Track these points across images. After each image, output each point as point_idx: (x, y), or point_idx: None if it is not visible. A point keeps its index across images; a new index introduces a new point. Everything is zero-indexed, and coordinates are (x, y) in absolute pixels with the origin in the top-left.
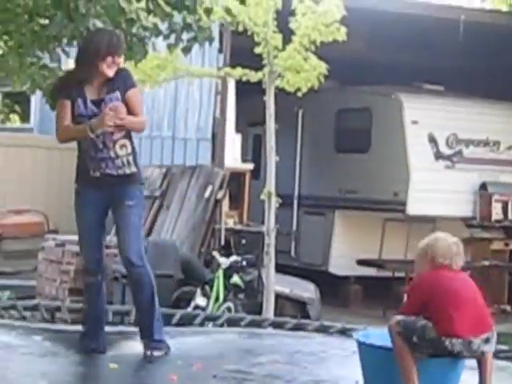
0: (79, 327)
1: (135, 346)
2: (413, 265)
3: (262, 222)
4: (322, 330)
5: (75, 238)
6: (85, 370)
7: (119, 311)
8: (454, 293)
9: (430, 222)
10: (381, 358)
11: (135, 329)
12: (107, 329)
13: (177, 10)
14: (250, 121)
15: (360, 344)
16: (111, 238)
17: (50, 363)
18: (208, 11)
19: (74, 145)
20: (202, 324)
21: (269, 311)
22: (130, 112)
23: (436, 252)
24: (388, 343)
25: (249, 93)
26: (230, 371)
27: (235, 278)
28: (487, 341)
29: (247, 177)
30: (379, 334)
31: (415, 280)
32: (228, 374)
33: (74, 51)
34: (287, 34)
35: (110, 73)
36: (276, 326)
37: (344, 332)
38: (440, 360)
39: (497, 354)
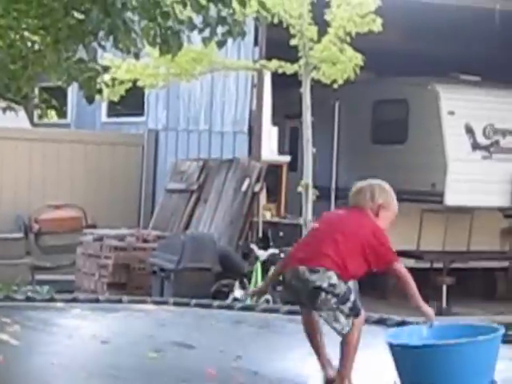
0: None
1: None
2: (451, 255)
3: (300, 214)
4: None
5: (113, 232)
6: (124, 359)
7: (157, 301)
8: None
9: (468, 213)
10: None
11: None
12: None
13: (212, 2)
14: (286, 113)
15: (390, 346)
16: (149, 232)
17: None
18: (242, 3)
19: (112, 140)
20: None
21: None
22: None
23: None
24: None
25: (285, 85)
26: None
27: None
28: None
29: (284, 169)
30: (406, 333)
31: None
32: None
33: (109, 45)
34: (322, 26)
35: None
36: None
37: (382, 322)
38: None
39: None
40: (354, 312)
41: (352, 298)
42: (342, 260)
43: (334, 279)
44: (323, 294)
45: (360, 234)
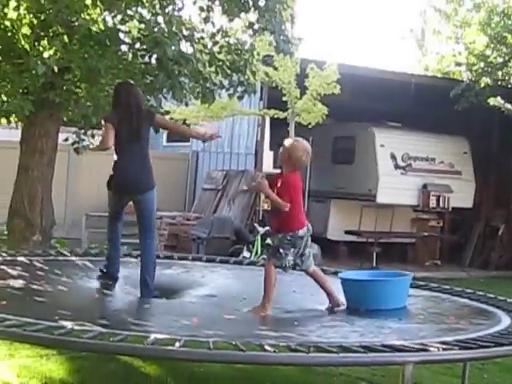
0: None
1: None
2: (379, 234)
3: None
4: (323, 271)
5: (169, 213)
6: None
7: (195, 257)
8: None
9: (391, 208)
10: (355, 287)
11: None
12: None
13: (234, 71)
14: (279, 143)
15: (342, 280)
16: (191, 214)
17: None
18: (253, 73)
19: (170, 157)
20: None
21: None
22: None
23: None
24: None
25: (278, 125)
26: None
27: (268, 240)
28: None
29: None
30: (353, 274)
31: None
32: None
33: (169, 97)
34: (303, 89)
35: None
36: (293, 268)
37: (336, 273)
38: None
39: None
40: None
41: None
42: None
43: None
44: None
45: None
